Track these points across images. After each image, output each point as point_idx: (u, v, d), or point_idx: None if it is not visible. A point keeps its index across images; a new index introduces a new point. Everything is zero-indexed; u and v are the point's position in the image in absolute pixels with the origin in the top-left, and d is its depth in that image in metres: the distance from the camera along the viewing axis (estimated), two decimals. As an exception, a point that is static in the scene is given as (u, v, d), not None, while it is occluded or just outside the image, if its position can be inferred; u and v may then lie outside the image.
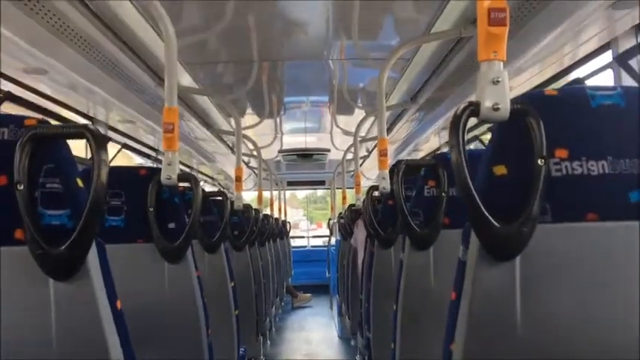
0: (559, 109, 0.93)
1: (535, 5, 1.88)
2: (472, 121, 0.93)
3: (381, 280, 2.24)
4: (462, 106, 0.91)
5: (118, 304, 1.04)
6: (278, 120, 4.92)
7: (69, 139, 0.99)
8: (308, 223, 11.23)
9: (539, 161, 0.88)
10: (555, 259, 0.91)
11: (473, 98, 2.63)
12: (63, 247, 0.94)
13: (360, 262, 3.20)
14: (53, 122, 2.50)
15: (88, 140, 0.96)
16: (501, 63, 0.91)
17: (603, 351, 0.90)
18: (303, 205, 12.24)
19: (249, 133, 4.85)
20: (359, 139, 4.21)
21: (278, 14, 2.49)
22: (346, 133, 5.13)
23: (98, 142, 0.96)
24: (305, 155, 6.61)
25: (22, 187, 0.94)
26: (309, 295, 7.58)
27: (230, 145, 5.36)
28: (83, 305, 0.97)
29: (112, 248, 1.05)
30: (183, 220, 1.66)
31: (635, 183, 0.91)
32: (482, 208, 0.88)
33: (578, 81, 2.40)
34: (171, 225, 1.62)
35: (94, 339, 0.98)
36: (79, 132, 0.97)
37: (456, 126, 0.90)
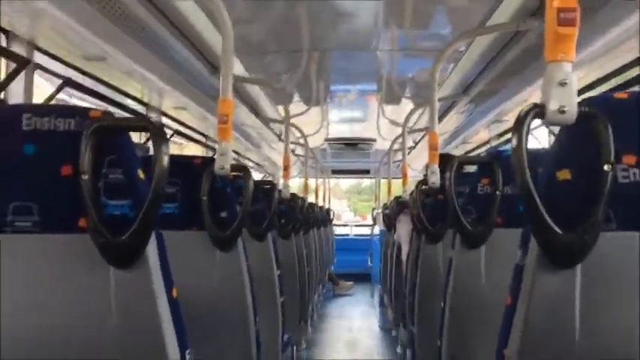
0: (628, 114, 0.89)
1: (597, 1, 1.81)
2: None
3: (428, 276, 2.23)
4: (527, 107, 0.89)
5: (174, 292, 1.07)
6: (325, 108, 4.92)
7: (132, 131, 1.02)
8: (352, 214, 10.93)
9: (606, 167, 0.85)
10: (618, 268, 0.88)
11: (527, 92, 2.58)
12: (124, 236, 0.97)
13: (404, 255, 3.18)
14: (111, 109, 2.57)
15: (150, 133, 0.98)
16: (569, 64, 0.88)
17: None
18: (347, 195, 11.65)
19: (295, 121, 4.87)
20: (406, 130, 4.17)
21: (328, 4, 2.48)
22: (393, 123, 5.08)
23: (160, 135, 0.99)
24: (351, 144, 6.60)
25: (86, 177, 0.97)
26: (350, 283, 7.60)
27: (277, 132, 5.40)
28: (142, 293, 1.00)
29: (166, 235, 1.08)
30: (235, 209, 1.69)
31: None
32: (544, 213, 0.86)
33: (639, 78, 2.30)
34: (223, 214, 1.65)
35: (152, 325, 1.01)
36: (142, 125, 1.00)
37: (519, 127, 0.88)
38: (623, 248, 0.88)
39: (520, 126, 0.88)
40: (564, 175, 0.90)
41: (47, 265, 0.98)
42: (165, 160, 0.98)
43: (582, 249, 0.87)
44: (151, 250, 1.01)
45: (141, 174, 1.04)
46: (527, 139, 0.88)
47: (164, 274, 1.04)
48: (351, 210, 11.18)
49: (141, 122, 1.01)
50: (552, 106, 0.87)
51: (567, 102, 0.87)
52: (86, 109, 1.02)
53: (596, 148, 0.86)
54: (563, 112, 0.87)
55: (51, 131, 0.99)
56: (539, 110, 0.88)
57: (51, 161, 0.99)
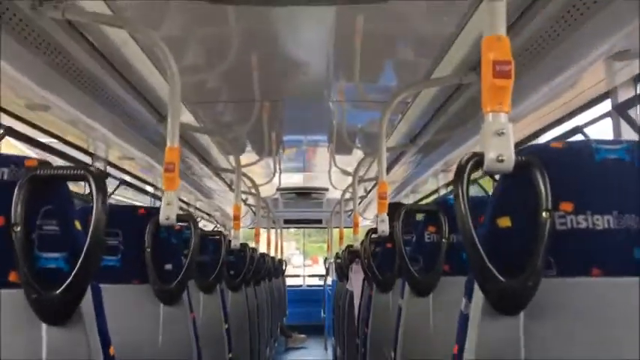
0: (564, 162, 0.92)
1: (535, 54, 1.90)
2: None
3: (380, 325, 2.21)
4: (466, 156, 0.91)
5: (111, 350, 1.02)
6: (277, 158, 4.94)
7: (70, 180, 0.98)
8: (302, 258, 10.69)
9: (544, 214, 0.87)
10: (560, 313, 0.89)
11: (472, 142, 2.65)
12: (58, 291, 0.92)
13: (356, 305, 3.16)
14: (53, 158, 2.49)
15: (88, 183, 0.95)
16: (506, 115, 0.91)
17: None
18: (297, 237, 11.18)
19: (247, 170, 4.86)
20: (357, 179, 4.22)
21: (279, 55, 2.52)
22: (344, 172, 5.14)
23: (98, 183, 0.95)
24: (303, 194, 6.61)
25: (18, 229, 0.93)
26: (303, 336, 7.46)
27: (228, 182, 5.36)
28: (76, 351, 0.95)
29: (107, 289, 1.03)
30: (180, 261, 1.64)
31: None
32: (487, 261, 0.87)
33: (577, 129, 2.41)
34: (168, 266, 1.60)
35: None
36: (80, 174, 0.96)
37: (460, 176, 0.89)
38: (563, 294, 0.89)
39: (461, 174, 0.89)
40: (505, 222, 0.92)
41: None
42: (103, 208, 0.95)
43: (525, 296, 0.87)
44: (87, 305, 0.96)
45: (78, 225, 1.00)
46: (468, 187, 0.90)
47: (100, 331, 0.99)
48: (300, 253, 10.90)
49: (79, 171, 0.97)
50: (491, 155, 0.89)
51: (504, 151, 0.89)
52: (22, 158, 0.98)
53: (534, 195, 0.89)
54: (501, 160, 0.89)
55: None
56: (478, 159, 0.90)
57: None
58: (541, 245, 0.87)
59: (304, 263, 10.31)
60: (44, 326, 0.93)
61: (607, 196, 0.91)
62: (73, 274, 0.93)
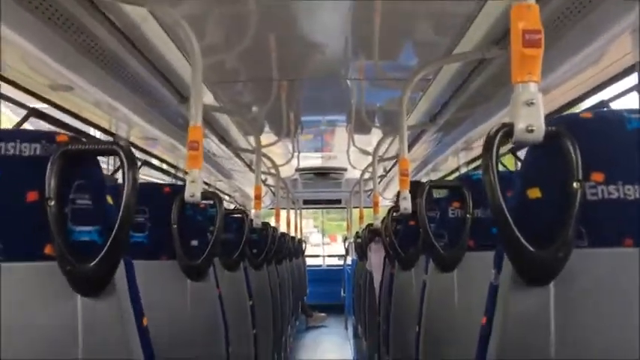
0: (594, 132, 0.91)
1: (561, 26, 1.87)
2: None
3: (402, 302, 2.22)
4: (496, 127, 0.90)
5: (144, 321, 1.04)
6: (295, 138, 4.94)
7: (100, 155, 1.00)
8: (320, 236, 10.50)
9: (574, 185, 0.87)
10: (590, 284, 0.89)
11: (494, 120, 2.63)
12: (92, 263, 0.94)
13: (376, 284, 3.17)
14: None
15: (120, 157, 0.97)
16: (536, 84, 0.90)
17: None
18: (315, 215, 10.82)
19: (266, 151, 4.87)
20: (377, 158, 4.21)
21: (297, 34, 2.51)
22: (363, 152, 5.13)
23: (129, 160, 0.97)
24: (322, 174, 6.61)
25: (52, 203, 0.95)
26: (323, 314, 7.52)
27: (248, 162, 5.38)
28: (110, 321, 0.97)
29: (135, 264, 1.05)
30: (206, 238, 1.66)
31: None
32: (516, 232, 0.86)
33: (603, 103, 2.37)
34: (194, 242, 1.63)
35: (120, 355, 0.97)
36: (110, 149, 0.98)
37: (489, 147, 0.89)
38: (595, 264, 0.89)
39: (490, 145, 0.89)
40: (535, 193, 0.91)
41: (12, 293, 0.94)
42: (135, 183, 0.96)
43: (555, 266, 0.87)
44: (120, 277, 0.99)
45: (109, 199, 1.01)
46: (497, 158, 0.89)
47: (134, 303, 1.01)
48: (319, 231, 10.69)
49: (109, 146, 0.99)
50: (520, 125, 0.89)
51: (534, 121, 0.88)
52: (53, 134, 0.99)
53: (564, 166, 0.88)
54: (531, 131, 0.88)
55: (16, 156, 0.96)
56: (507, 130, 0.89)
57: (16, 187, 0.96)
58: (572, 216, 0.86)
59: (322, 241, 10.21)
60: (79, 297, 0.96)
61: (638, 165, 0.90)
62: (106, 246, 0.95)
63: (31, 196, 0.96)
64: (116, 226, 0.95)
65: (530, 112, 0.89)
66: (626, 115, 0.92)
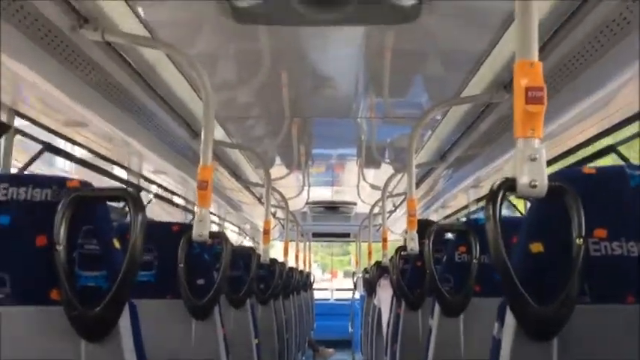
0: (597, 188, 0.92)
1: (566, 75, 1.89)
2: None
3: (408, 343, 2.19)
4: (499, 181, 0.91)
5: None
6: (306, 172, 4.97)
7: (110, 201, 1.02)
8: (320, 272, 10.09)
9: (577, 241, 0.87)
10: (593, 340, 0.88)
11: (504, 159, 2.61)
12: (97, 308, 0.95)
13: (384, 321, 3.14)
14: (90, 174, 2.55)
15: (127, 203, 0.98)
16: (538, 140, 0.91)
17: None
18: (314, 249, 10.05)
19: (276, 184, 4.89)
20: (386, 194, 4.21)
21: (309, 72, 2.55)
22: (373, 187, 5.14)
23: (137, 205, 0.99)
24: (331, 208, 6.61)
25: (60, 248, 0.96)
26: (331, 350, 7.43)
27: (258, 196, 5.40)
28: None
29: (140, 303, 1.06)
30: (212, 276, 1.67)
31: None
32: (519, 287, 0.86)
33: (611, 148, 2.38)
34: (200, 281, 1.63)
35: None
36: (119, 195, 1.00)
37: (493, 201, 0.89)
38: (597, 321, 0.89)
39: (493, 199, 0.89)
40: (537, 247, 0.91)
41: (17, 337, 0.95)
42: (141, 229, 0.98)
43: (558, 322, 0.87)
44: (124, 322, 0.99)
45: (117, 244, 1.03)
46: (500, 212, 0.90)
47: (136, 348, 1.02)
48: (319, 266, 10.43)
49: (118, 192, 1.01)
50: (523, 180, 0.89)
51: (537, 176, 0.89)
52: (64, 179, 1.02)
53: (567, 221, 0.88)
54: (534, 186, 0.89)
55: (27, 201, 0.98)
56: (510, 184, 0.90)
57: (26, 232, 0.98)
58: (575, 272, 0.86)
59: (322, 277, 9.80)
60: (83, 342, 0.96)
61: None
62: (111, 292, 0.96)
63: (40, 240, 0.98)
64: (122, 271, 0.96)
65: (533, 167, 0.89)
66: (629, 172, 0.92)
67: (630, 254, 0.89)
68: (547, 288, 0.88)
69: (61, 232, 0.96)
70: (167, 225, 1.67)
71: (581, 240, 0.87)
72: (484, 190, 4.19)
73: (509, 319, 0.90)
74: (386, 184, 4.08)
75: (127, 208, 1.00)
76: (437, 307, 1.64)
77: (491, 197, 0.89)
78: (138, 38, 1.93)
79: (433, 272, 1.65)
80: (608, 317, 0.89)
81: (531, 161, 0.90)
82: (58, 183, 1.00)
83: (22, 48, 1.69)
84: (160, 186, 4.04)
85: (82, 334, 0.96)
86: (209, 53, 2.31)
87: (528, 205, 2.86)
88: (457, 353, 1.59)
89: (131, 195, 0.99)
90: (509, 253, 0.90)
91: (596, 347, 0.88)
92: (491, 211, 0.89)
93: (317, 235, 8.55)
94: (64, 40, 1.78)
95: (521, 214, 3.42)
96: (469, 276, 1.57)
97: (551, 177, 0.90)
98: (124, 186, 3.27)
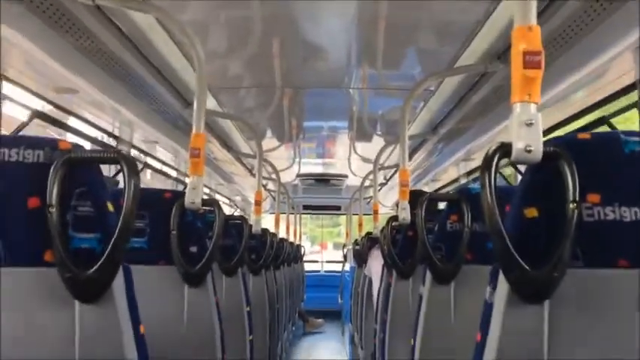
0: (592, 154, 0.92)
1: (562, 44, 1.88)
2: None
3: (398, 312, 2.22)
4: (494, 146, 0.91)
5: (141, 329, 1.05)
6: (297, 144, 4.96)
7: (103, 163, 1.01)
8: (309, 244, 9.86)
9: (571, 206, 0.88)
10: (585, 304, 0.89)
11: (495, 131, 2.63)
12: (91, 270, 0.95)
13: (375, 291, 3.17)
14: (80, 141, 2.53)
15: (121, 166, 0.98)
16: (535, 105, 0.91)
17: None
18: (303, 221, 9.82)
19: (268, 156, 4.88)
20: (377, 166, 4.22)
21: (301, 41, 2.52)
22: (364, 160, 5.14)
23: (131, 169, 0.98)
24: (322, 180, 6.62)
25: (53, 210, 0.96)
26: (321, 320, 7.52)
27: (249, 167, 5.39)
28: (107, 328, 0.98)
29: (134, 269, 1.06)
30: (205, 244, 1.67)
31: None
32: (513, 251, 0.87)
33: (603, 119, 2.39)
34: (193, 248, 1.63)
35: None
36: (113, 158, 0.99)
37: (487, 166, 0.90)
38: (589, 284, 0.90)
39: (488, 164, 0.90)
40: (532, 212, 0.92)
41: (10, 298, 0.95)
42: (136, 192, 0.97)
43: (550, 285, 0.88)
44: (118, 284, 1.00)
45: (110, 207, 1.02)
46: (495, 178, 0.90)
47: (131, 310, 1.02)
48: (308, 238, 10.21)
49: (112, 155, 1.00)
50: (519, 145, 0.89)
51: (533, 142, 0.89)
52: (55, 141, 1.00)
53: (562, 187, 0.89)
54: (529, 151, 0.89)
55: (19, 163, 0.97)
56: (506, 149, 0.90)
57: (18, 193, 0.97)
58: (567, 236, 0.87)
59: (312, 249, 9.70)
60: (77, 304, 0.97)
61: (635, 188, 0.91)
62: (105, 254, 0.96)
63: (33, 202, 0.97)
64: (116, 233, 0.96)
65: (529, 132, 0.89)
66: (624, 138, 0.93)
67: (623, 219, 0.90)
68: (540, 252, 0.89)
69: (54, 193, 0.95)
70: (159, 192, 1.67)
71: (575, 204, 0.88)
72: (475, 162, 4.21)
73: (502, 282, 0.91)
74: (377, 157, 4.09)
75: (118, 177, 1.00)
76: (428, 275, 1.66)
77: (487, 162, 0.90)
78: (129, 2, 1.89)
79: (425, 240, 1.66)
80: (600, 281, 0.90)
81: (527, 126, 0.90)
82: (50, 144, 0.99)
83: (11, 12, 1.65)
84: (151, 155, 4.02)
85: (76, 296, 0.96)
86: (200, 20, 2.27)
87: (519, 178, 2.88)
88: (447, 320, 1.62)
89: (125, 157, 0.99)
90: (503, 219, 0.91)
91: (588, 311, 0.89)
92: (486, 176, 0.89)
93: (308, 208, 8.58)
94: (53, 3, 1.74)
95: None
96: (461, 244, 1.59)
97: (546, 143, 0.91)
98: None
